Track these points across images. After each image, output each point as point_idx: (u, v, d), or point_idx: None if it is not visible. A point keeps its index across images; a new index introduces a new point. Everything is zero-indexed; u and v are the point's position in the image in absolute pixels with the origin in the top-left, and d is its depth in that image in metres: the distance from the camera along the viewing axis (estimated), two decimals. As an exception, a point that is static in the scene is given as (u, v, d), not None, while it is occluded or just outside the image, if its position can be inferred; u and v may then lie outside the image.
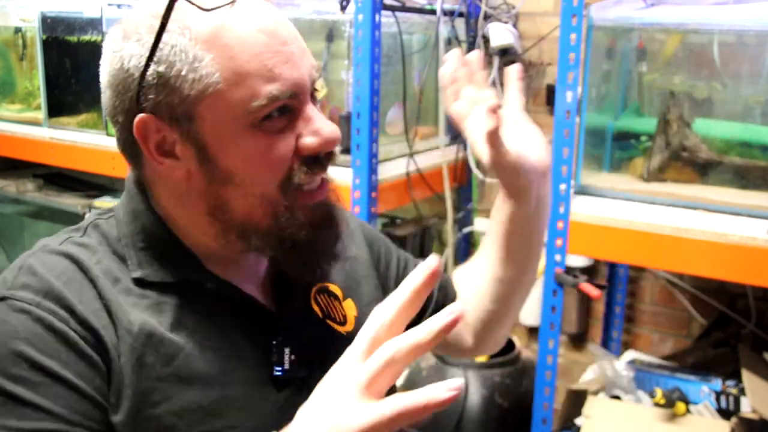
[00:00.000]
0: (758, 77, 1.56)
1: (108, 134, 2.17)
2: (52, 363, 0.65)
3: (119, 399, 0.67)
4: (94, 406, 0.66)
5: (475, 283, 0.98)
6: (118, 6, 2.08)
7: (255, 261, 0.79)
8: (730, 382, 1.69)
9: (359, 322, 0.83)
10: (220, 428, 0.70)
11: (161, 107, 0.68)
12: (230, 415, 0.71)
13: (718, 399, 1.65)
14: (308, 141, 0.70)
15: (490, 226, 0.98)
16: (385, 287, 0.93)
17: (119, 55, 0.70)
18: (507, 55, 2.25)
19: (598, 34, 1.66)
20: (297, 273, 0.76)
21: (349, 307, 0.86)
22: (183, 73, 0.67)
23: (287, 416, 0.69)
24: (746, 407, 1.61)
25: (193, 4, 0.66)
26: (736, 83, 1.61)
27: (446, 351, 1.13)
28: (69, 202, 2.45)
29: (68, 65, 2.29)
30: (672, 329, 2.20)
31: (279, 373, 0.74)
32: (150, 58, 0.67)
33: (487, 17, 2.22)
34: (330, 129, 0.71)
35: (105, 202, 2.30)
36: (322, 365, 0.74)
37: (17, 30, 2.45)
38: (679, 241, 1.44)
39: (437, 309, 0.88)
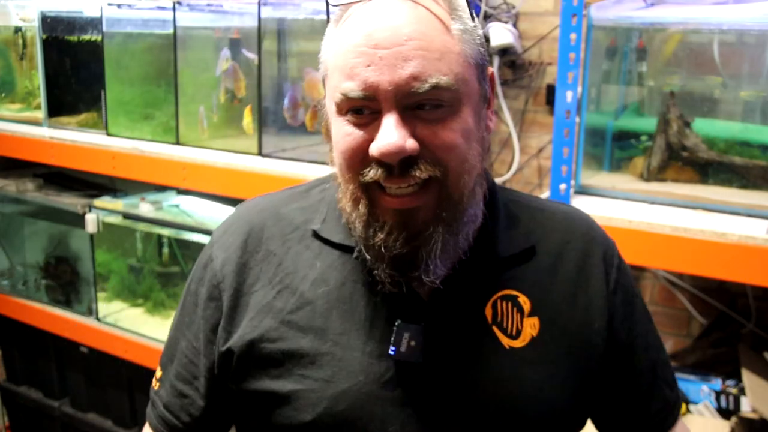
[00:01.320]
0: (758, 77, 1.56)
1: (108, 134, 2.17)
2: (200, 288, 0.91)
3: (235, 327, 0.85)
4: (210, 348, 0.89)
5: None
6: (118, 6, 2.08)
7: None
8: (730, 382, 1.69)
9: (535, 342, 0.81)
10: (317, 378, 0.79)
11: (323, 76, 0.80)
12: (330, 370, 0.79)
13: (718, 399, 1.65)
14: (370, 147, 0.73)
15: None
16: (611, 336, 0.87)
17: None
18: (507, 55, 2.25)
19: (598, 34, 1.66)
20: (376, 272, 0.78)
21: (530, 325, 0.82)
22: (324, 50, 0.79)
23: (393, 393, 0.77)
24: (746, 407, 1.61)
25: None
26: (736, 83, 1.61)
27: None
28: (69, 201, 2.45)
29: (68, 65, 2.29)
30: (672, 329, 2.20)
31: (391, 353, 0.78)
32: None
33: (487, 17, 2.22)
34: (387, 142, 0.71)
35: (105, 202, 2.30)
36: (462, 363, 0.79)
37: (17, 29, 2.45)
38: (679, 241, 1.44)
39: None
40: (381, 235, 0.75)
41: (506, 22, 2.20)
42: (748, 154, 1.56)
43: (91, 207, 2.31)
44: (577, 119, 1.60)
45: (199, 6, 1.93)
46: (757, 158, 1.55)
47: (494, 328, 0.81)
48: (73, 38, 2.24)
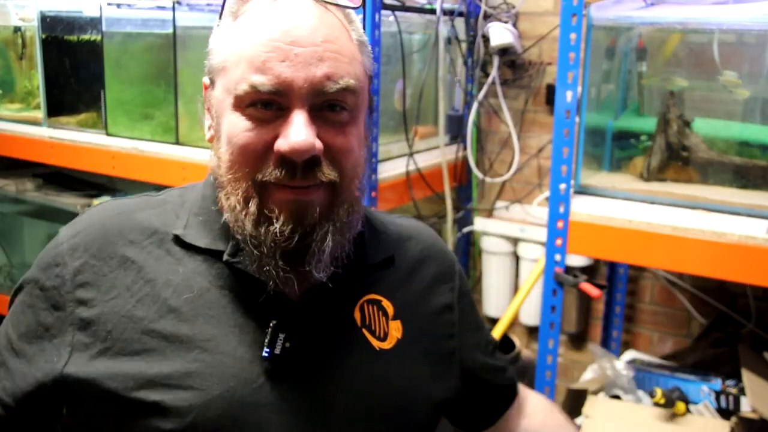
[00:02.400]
0: (758, 77, 1.56)
1: (107, 134, 2.16)
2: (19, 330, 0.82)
3: (96, 341, 0.77)
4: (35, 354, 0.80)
5: None
6: (118, 5, 2.08)
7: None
8: (730, 382, 1.68)
9: (400, 344, 0.85)
10: (186, 386, 0.74)
11: (208, 72, 0.79)
12: (198, 378, 0.75)
13: (718, 399, 1.65)
14: (277, 143, 0.72)
15: None
16: (461, 336, 0.94)
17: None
18: (507, 55, 2.25)
19: (597, 34, 1.66)
20: (266, 268, 0.76)
21: (395, 328, 0.86)
22: (216, 44, 0.77)
23: (268, 395, 0.75)
24: (746, 407, 1.61)
25: None
26: (737, 83, 1.60)
27: None
28: (68, 201, 2.44)
29: (68, 64, 2.29)
30: (672, 329, 2.20)
31: (266, 355, 0.76)
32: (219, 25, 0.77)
33: (487, 17, 2.22)
34: (299, 139, 0.70)
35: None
36: (337, 365, 0.79)
37: (17, 29, 2.44)
38: (679, 241, 1.44)
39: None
40: (274, 228, 0.73)
41: (506, 22, 2.20)
42: (748, 154, 1.56)
43: (90, 207, 2.30)
44: (577, 119, 1.59)
45: (198, 6, 1.93)
46: (757, 158, 1.55)
47: (364, 330, 0.83)
48: (73, 38, 2.23)
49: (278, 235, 0.73)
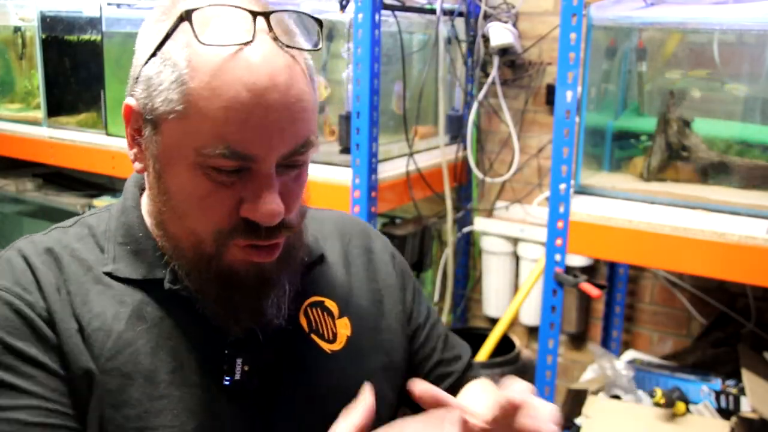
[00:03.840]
0: (758, 77, 1.56)
1: (107, 134, 2.17)
2: (21, 344, 0.69)
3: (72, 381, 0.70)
4: (61, 381, 0.70)
5: None
6: (118, 5, 2.08)
7: None
8: (730, 382, 1.69)
9: (351, 342, 0.83)
10: (157, 426, 0.70)
11: (141, 104, 0.70)
12: (171, 415, 0.71)
13: (718, 399, 1.65)
14: (244, 209, 0.68)
15: None
16: (411, 316, 0.91)
17: (141, 34, 0.73)
18: (507, 55, 2.25)
19: (597, 34, 1.66)
20: (214, 317, 0.73)
21: (343, 326, 0.84)
22: (164, 86, 0.67)
23: (238, 424, 0.72)
24: (746, 407, 1.61)
25: (193, 30, 0.65)
26: (736, 83, 1.61)
27: None
28: (68, 201, 2.44)
29: (67, 64, 2.29)
30: (672, 329, 2.20)
31: (227, 383, 0.73)
32: (153, 55, 0.69)
33: (487, 17, 2.22)
34: (268, 209, 0.67)
35: (104, 202, 2.30)
36: (295, 378, 0.77)
37: (16, 29, 2.45)
38: (679, 241, 1.44)
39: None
40: (233, 291, 0.71)
41: (506, 22, 2.20)
42: (748, 155, 1.56)
43: (90, 207, 2.31)
44: (577, 119, 1.59)
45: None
46: (757, 158, 1.55)
47: (313, 336, 0.80)
48: (73, 38, 2.24)
49: (241, 296, 0.71)
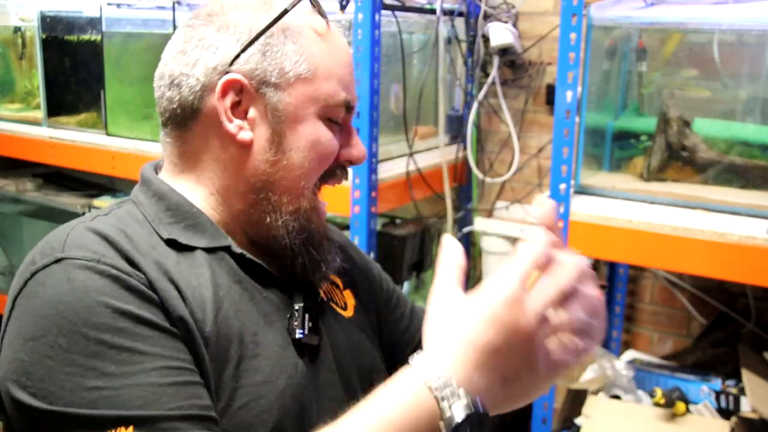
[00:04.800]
0: (758, 77, 1.56)
1: (107, 134, 2.17)
2: (130, 307, 0.67)
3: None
4: (176, 338, 0.69)
5: None
6: (118, 5, 2.08)
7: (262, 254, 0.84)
8: (730, 382, 1.69)
9: (358, 310, 0.94)
10: (250, 384, 0.73)
11: (257, 72, 0.79)
12: (262, 374, 0.74)
13: (718, 398, 1.65)
14: (346, 151, 0.84)
15: None
16: (380, 286, 1.03)
17: (226, 20, 0.80)
18: (507, 55, 2.25)
19: (597, 34, 1.66)
20: (299, 269, 0.82)
21: (349, 296, 0.94)
22: (289, 51, 0.79)
23: (307, 378, 0.78)
24: (746, 407, 1.61)
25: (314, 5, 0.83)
26: (736, 83, 1.61)
27: None
28: (68, 201, 2.45)
29: (67, 64, 2.29)
30: (672, 329, 2.20)
31: (300, 336, 0.79)
32: (265, 30, 0.78)
33: (487, 17, 2.22)
34: (363, 149, 0.86)
35: (104, 202, 2.30)
36: (329, 337, 0.86)
37: (16, 29, 2.45)
38: (679, 241, 1.44)
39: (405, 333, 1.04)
40: (325, 240, 0.85)
41: (506, 22, 2.20)
42: (748, 154, 1.56)
43: (90, 207, 2.31)
44: (577, 119, 1.59)
45: (198, 6, 1.93)
46: (757, 158, 1.55)
47: (332, 304, 0.90)
48: (73, 38, 2.24)
49: (320, 242, 0.84)
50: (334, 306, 0.90)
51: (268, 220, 0.80)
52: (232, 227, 0.82)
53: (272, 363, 0.76)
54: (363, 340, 0.92)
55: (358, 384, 0.87)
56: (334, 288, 0.92)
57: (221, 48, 0.79)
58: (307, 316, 0.81)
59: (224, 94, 0.78)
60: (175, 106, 0.80)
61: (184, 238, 0.77)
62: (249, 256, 0.80)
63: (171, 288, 0.71)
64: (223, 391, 0.72)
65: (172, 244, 0.76)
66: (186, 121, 0.80)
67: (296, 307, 0.81)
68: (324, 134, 0.81)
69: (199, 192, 0.82)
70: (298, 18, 0.81)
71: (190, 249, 0.77)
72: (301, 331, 0.80)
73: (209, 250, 0.78)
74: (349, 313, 0.91)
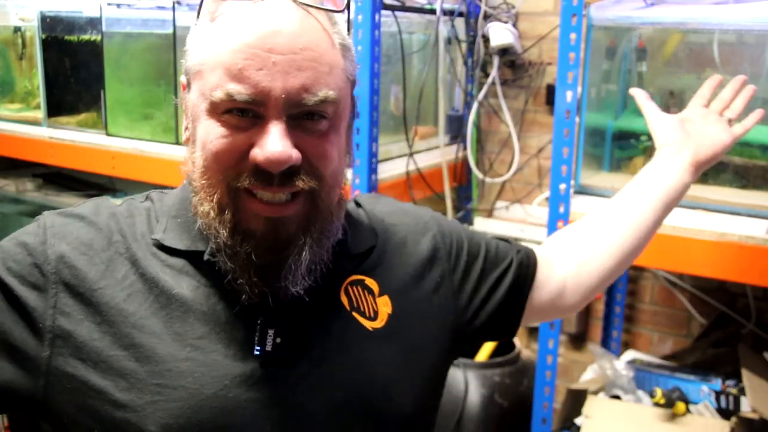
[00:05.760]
0: (758, 77, 1.56)
1: (107, 134, 2.17)
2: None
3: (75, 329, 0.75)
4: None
5: (606, 241, 1.03)
6: (118, 6, 2.08)
7: None
8: (730, 382, 1.68)
9: (392, 320, 0.84)
10: (176, 386, 0.73)
11: (185, 69, 0.76)
12: (191, 377, 0.73)
13: (718, 399, 1.65)
14: (252, 152, 0.70)
15: (649, 191, 1.06)
16: (459, 281, 0.92)
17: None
18: (507, 55, 2.25)
19: (598, 34, 1.66)
20: (240, 281, 0.75)
21: (384, 304, 0.85)
22: (193, 44, 0.74)
23: (262, 395, 0.74)
24: (746, 407, 1.61)
25: None
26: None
27: (547, 315, 1.09)
28: (68, 201, 2.44)
29: (68, 65, 2.29)
30: (672, 329, 2.20)
31: (257, 353, 0.75)
32: (198, 13, 0.75)
33: (487, 17, 2.22)
34: (275, 150, 0.69)
35: (104, 202, 2.29)
36: (331, 355, 0.79)
37: (16, 29, 2.44)
38: (679, 241, 1.44)
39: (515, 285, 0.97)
40: (248, 245, 0.73)
41: (506, 22, 2.20)
42: (748, 155, 1.56)
43: (83, 203, 2.30)
44: (577, 119, 1.59)
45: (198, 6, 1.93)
46: (757, 158, 1.55)
47: (354, 314, 0.82)
48: (73, 38, 2.24)
49: (254, 251, 0.73)
50: (357, 316, 0.82)
51: (199, 223, 0.77)
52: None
53: (204, 371, 0.73)
54: (387, 354, 0.82)
55: (360, 403, 0.79)
56: (366, 294, 0.84)
57: (189, 43, 0.77)
58: (270, 332, 0.75)
59: (183, 97, 0.78)
60: None
61: (170, 237, 0.79)
62: (222, 264, 0.75)
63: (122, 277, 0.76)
64: (140, 384, 0.73)
65: (156, 242, 0.79)
66: None
67: (258, 322, 0.76)
68: (212, 132, 0.71)
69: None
70: (212, 4, 0.73)
71: (170, 249, 0.79)
72: (258, 348, 0.75)
73: (188, 252, 0.79)
74: (377, 324, 0.83)
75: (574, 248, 1.04)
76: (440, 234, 0.94)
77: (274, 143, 0.69)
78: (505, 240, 1.04)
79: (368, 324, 0.82)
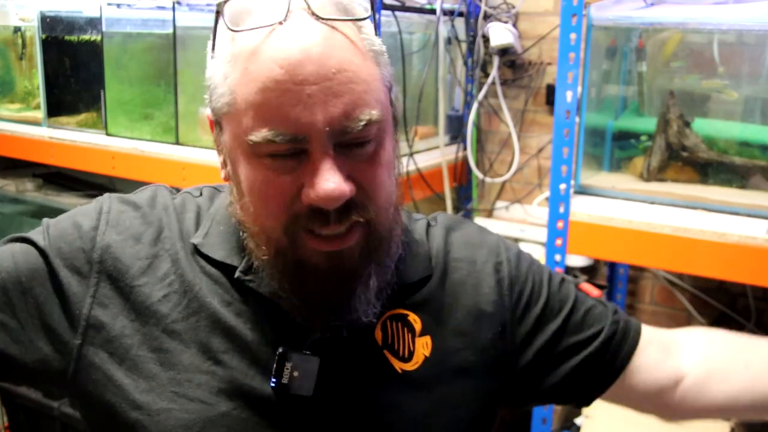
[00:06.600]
0: (758, 77, 1.56)
1: (107, 134, 2.17)
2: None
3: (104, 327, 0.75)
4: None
5: (757, 366, 0.86)
6: (118, 6, 2.08)
7: None
8: (729, 382, 1.68)
9: (429, 362, 0.77)
10: (193, 398, 0.72)
11: (211, 108, 0.71)
12: (208, 392, 0.72)
13: (717, 399, 1.65)
14: (305, 192, 0.65)
15: None
16: (515, 331, 0.83)
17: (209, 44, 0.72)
18: (507, 55, 2.25)
19: (598, 34, 1.66)
20: (300, 316, 0.72)
21: (423, 345, 0.78)
22: (217, 82, 0.68)
23: (269, 420, 0.71)
24: (746, 407, 1.61)
25: (224, 21, 0.66)
26: (736, 83, 1.61)
27: (647, 406, 0.92)
28: (68, 201, 2.44)
29: (67, 65, 2.29)
30: (672, 329, 2.20)
31: (272, 385, 0.72)
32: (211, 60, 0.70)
33: (487, 17, 2.22)
34: (328, 187, 0.63)
35: (104, 202, 2.29)
36: (352, 393, 0.74)
37: (16, 29, 2.44)
38: (679, 241, 1.44)
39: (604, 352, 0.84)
40: (313, 281, 0.69)
41: (506, 22, 2.20)
42: (748, 155, 1.56)
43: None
44: (577, 119, 1.59)
45: (198, 6, 1.92)
46: (757, 158, 1.55)
47: (385, 351, 0.76)
48: (73, 38, 2.23)
49: (321, 288, 0.69)
50: (389, 354, 0.76)
51: (254, 261, 0.73)
52: None
53: (221, 388, 0.72)
54: (414, 400, 0.76)
55: None
56: (405, 332, 0.78)
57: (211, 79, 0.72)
58: (288, 364, 0.71)
59: (211, 129, 0.74)
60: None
61: (209, 243, 0.77)
62: (252, 284, 0.74)
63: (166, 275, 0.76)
64: (159, 389, 0.72)
65: (194, 246, 0.78)
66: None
67: (278, 352, 0.72)
68: (258, 178, 0.66)
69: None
70: (235, 34, 0.66)
71: (206, 257, 0.77)
72: (275, 380, 0.71)
73: (223, 264, 0.76)
74: (409, 366, 0.77)
75: (713, 352, 0.89)
76: (514, 278, 0.84)
77: (326, 180, 0.64)
78: (604, 303, 0.89)
79: (398, 365, 0.77)
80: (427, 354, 0.78)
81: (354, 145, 0.66)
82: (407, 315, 0.79)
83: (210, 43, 0.70)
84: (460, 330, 0.80)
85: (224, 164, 0.74)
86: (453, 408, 0.78)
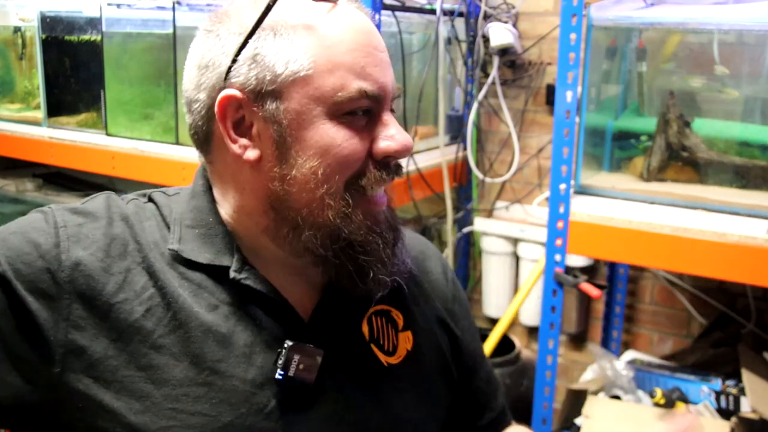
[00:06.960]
0: (758, 77, 1.56)
1: (107, 134, 2.17)
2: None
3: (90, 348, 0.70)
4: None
5: None
6: (118, 6, 2.08)
7: (308, 267, 0.77)
8: (730, 382, 1.69)
9: (411, 357, 0.82)
10: (194, 412, 0.70)
11: (250, 83, 0.70)
12: (209, 403, 0.70)
13: (718, 399, 1.65)
14: (383, 145, 0.72)
15: None
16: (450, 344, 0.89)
17: (217, 32, 0.73)
18: (507, 55, 2.25)
19: (598, 34, 1.66)
20: (345, 280, 0.74)
21: (405, 339, 0.82)
22: (280, 51, 0.70)
23: (274, 422, 0.71)
24: (746, 407, 1.61)
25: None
26: (736, 83, 1.61)
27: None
28: (68, 201, 2.44)
29: (67, 65, 2.29)
30: (672, 329, 2.20)
31: (279, 378, 0.72)
32: (251, 35, 0.70)
33: (487, 17, 2.22)
34: (405, 137, 0.73)
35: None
36: (343, 387, 0.76)
37: (16, 29, 2.44)
38: (679, 241, 1.44)
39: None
40: (380, 240, 0.73)
41: (506, 22, 2.20)
42: (748, 155, 1.56)
43: (90, 199, 2.30)
44: (577, 119, 1.59)
45: (198, 6, 1.92)
46: (757, 158, 1.55)
47: (372, 345, 0.79)
48: (73, 38, 2.23)
49: (385, 244, 0.74)
50: (375, 349, 0.79)
51: (293, 236, 0.73)
52: (263, 242, 0.76)
53: (222, 397, 0.70)
54: (401, 393, 0.80)
55: None
56: (389, 327, 0.81)
57: (215, 62, 0.72)
58: (296, 357, 0.72)
59: (223, 113, 0.71)
60: (192, 131, 0.77)
61: (189, 248, 0.75)
62: (247, 281, 0.74)
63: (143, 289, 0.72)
64: (156, 408, 0.69)
65: (173, 253, 0.74)
66: (203, 145, 0.77)
67: (285, 346, 0.72)
68: (338, 136, 0.70)
69: (225, 207, 0.77)
70: (289, 9, 0.71)
71: (188, 262, 0.74)
72: (282, 373, 0.71)
73: (209, 266, 0.74)
74: (394, 360, 0.80)
75: None
76: (447, 270, 0.94)
77: (401, 132, 0.73)
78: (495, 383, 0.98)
79: (384, 358, 0.80)
80: (409, 348, 0.82)
81: (392, 110, 0.75)
82: (390, 311, 0.82)
83: (251, 29, 0.70)
84: (430, 330, 0.86)
85: (260, 144, 0.72)
86: (432, 394, 0.84)
